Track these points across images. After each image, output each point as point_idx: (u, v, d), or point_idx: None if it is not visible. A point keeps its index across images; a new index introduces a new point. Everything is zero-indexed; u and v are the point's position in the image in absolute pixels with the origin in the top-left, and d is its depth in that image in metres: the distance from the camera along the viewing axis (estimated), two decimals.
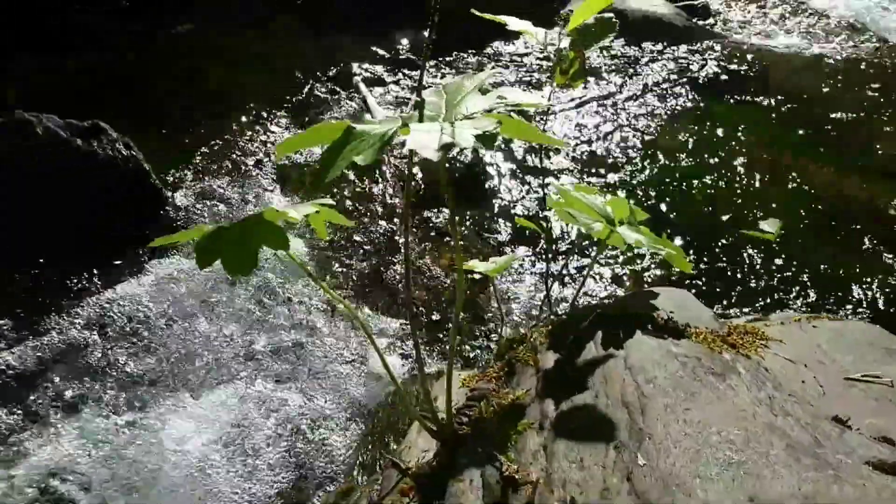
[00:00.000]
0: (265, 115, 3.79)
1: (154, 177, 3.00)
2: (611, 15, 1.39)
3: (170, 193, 3.05)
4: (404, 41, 4.68)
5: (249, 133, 3.63)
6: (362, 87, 3.81)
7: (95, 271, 2.69)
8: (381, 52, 4.46)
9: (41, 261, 2.71)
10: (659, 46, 4.57)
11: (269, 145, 3.56)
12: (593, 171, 3.35)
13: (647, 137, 3.60)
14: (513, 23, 1.39)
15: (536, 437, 1.05)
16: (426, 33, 4.25)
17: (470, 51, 4.52)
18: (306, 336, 2.23)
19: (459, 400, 1.20)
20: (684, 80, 4.18)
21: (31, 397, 2.13)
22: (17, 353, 2.21)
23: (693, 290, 1.66)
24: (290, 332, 2.25)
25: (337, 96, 3.95)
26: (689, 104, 3.93)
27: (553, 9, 5.08)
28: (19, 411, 2.01)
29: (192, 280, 2.64)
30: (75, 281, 2.62)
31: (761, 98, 3.98)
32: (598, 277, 2.64)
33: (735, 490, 0.85)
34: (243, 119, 3.74)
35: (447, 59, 4.43)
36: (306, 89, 4.11)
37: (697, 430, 0.95)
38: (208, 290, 2.58)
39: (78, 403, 2.02)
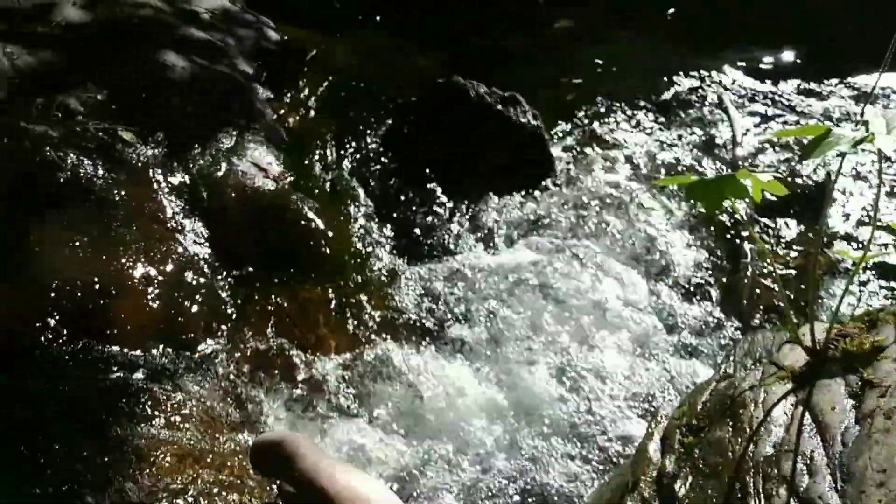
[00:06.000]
0: (632, 111, 4.41)
1: (549, 146, 3.78)
2: None
3: (558, 160, 3.83)
4: (767, 59, 4.99)
5: (614, 125, 4.28)
6: (726, 99, 4.27)
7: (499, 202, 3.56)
8: (746, 71, 4.84)
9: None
10: None
11: (630, 140, 4.17)
12: None
13: None
14: None
15: (892, 364, 1.51)
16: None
17: (834, 81, 4.69)
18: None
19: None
20: None
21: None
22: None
23: None
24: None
25: (699, 104, 4.45)
26: None
27: None
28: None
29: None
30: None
31: None
32: None
33: None
34: (612, 112, 4.40)
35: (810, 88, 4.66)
36: (670, 93, 4.64)
37: None
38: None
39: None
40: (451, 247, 3.26)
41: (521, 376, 2.53)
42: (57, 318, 2.32)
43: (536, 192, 3.63)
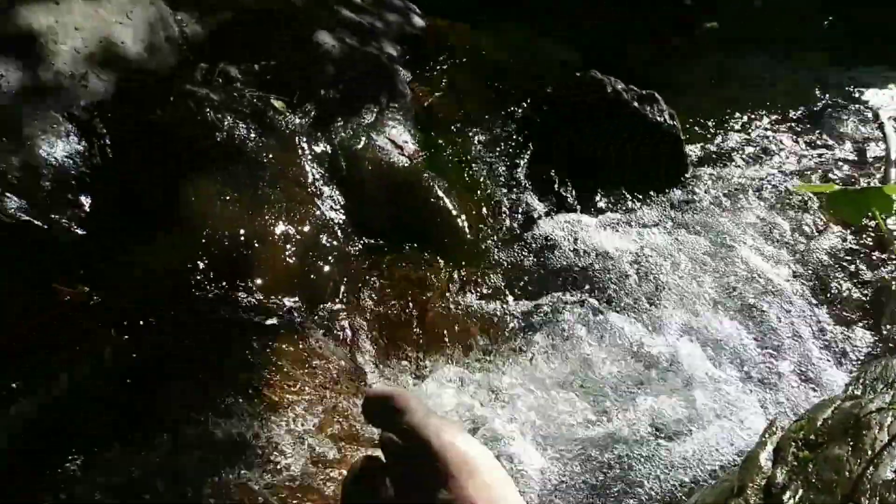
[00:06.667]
0: (776, 118, 4.24)
1: (684, 146, 3.71)
2: None
3: (693, 161, 3.76)
4: None
5: (756, 130, 4.13)
6: (883, 115, 4.03)
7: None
8: None
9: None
10: None
11: (772, 147, 4.01)
12: None
13: None
14: None
15: None
16: None
17: None
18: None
19: None
20: None
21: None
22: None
23: None
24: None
25: (852, 117, 4.21)
26: None
27: None
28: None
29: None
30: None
31: None
32: None
33: None
34: (755, 117, 4.24)
35: None
36: (820, 104, 4.42)
37: None
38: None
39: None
40: (580, 233, 3.28)
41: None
42: (207, 264, 2.54)
43: (668, 190, 3.58)
